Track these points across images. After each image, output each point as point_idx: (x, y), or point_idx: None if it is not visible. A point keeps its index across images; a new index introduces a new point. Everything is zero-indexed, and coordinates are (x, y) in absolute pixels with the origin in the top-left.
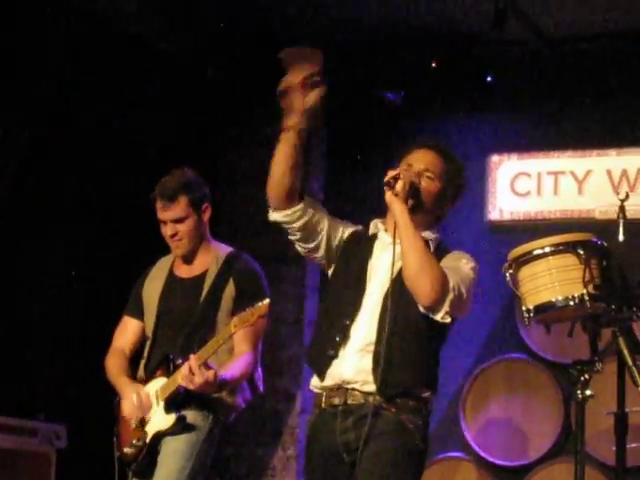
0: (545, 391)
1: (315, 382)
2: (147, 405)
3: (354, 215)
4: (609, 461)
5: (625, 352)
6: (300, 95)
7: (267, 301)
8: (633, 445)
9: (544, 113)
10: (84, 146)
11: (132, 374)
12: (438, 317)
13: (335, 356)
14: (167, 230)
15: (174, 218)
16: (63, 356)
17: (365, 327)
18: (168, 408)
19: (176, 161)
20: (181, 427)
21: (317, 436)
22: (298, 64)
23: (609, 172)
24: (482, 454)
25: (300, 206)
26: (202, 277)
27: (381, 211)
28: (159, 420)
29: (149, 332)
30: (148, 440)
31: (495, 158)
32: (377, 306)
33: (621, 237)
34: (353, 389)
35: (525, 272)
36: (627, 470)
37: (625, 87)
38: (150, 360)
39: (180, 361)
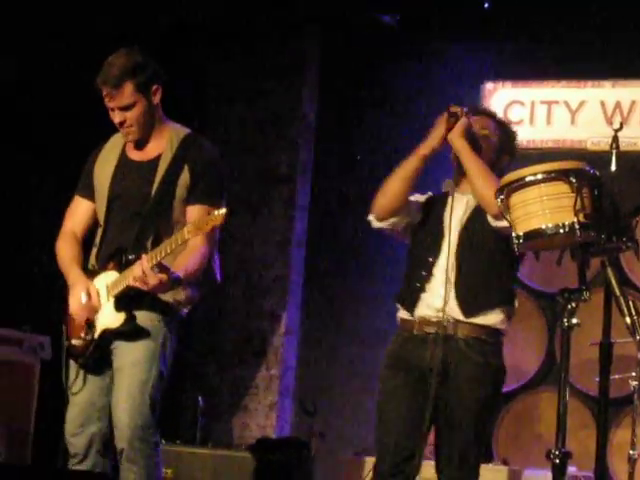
0: (530, 320)
1: (403, 314)
2: (95, 305)
3: (348, 135)
4: (592, 392)
5: (613, 282)
6: (446, 125)
7: (223, 211)
8: (616, 376)
9: (540, 42)
10: None
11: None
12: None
13: (422, 289)
14: (115, 118)
15: (121, 106)
16: (49, 267)
17: (446, 263)
18: (118, 306)
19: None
20: (131, 327)
21: (406, 357)
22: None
23: (603, 103)
24: None
25: (402, 216)
26: (156, 161)
27: (374, 129)
28: (108, 317)
29: (100, 217)
30: (96, 335)
31: (489, 85)
32: (454, 245)
33: (613, 167)
34: (440, 318)
35: (516, 199)
36: (610, 401)
37: (623, 19)
38: (102, 248)
39: (133, 256)
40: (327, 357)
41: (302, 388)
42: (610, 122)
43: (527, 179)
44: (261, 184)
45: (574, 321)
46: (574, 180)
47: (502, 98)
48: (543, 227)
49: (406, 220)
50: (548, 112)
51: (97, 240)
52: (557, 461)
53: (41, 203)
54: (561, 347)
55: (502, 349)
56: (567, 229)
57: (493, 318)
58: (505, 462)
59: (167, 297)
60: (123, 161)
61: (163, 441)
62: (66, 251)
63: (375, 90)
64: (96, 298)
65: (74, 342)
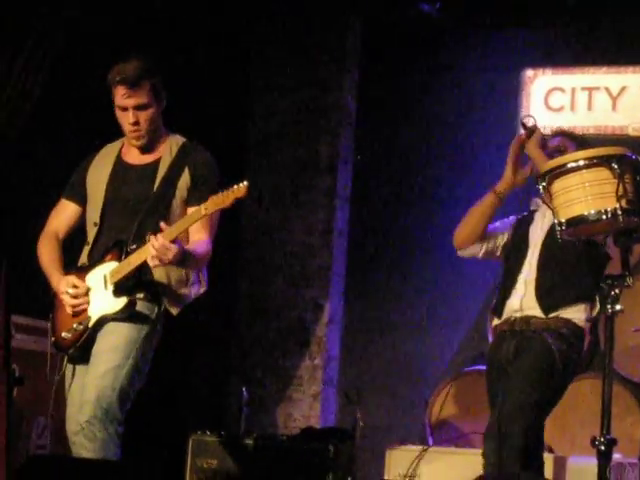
0: None
1: (495, 321)
2: (84, 295)
3: (386, 121)
4: (636, 378)
5: None
6: (516, 168)
7: (246, 183)
8: None
9: (580, 28)
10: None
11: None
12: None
13: (507, 296)
14: (129, 117)
15: (138, 104)
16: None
17: (528, 269)
18: (118, 291)
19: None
20: (129, 313)
21: (493, 355)
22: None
23: None
24: None
25: (481, 244)
26: (155, 164)
27: (416, 118)
28: (106, 304)
29: (95, 218)
30: (91, 324)
31: (529, 72)
32: (536, 255)
33: None
34: (518, 316)
35: (558, 185)
36: None
37: None
38: (96, 246)
39: (134, 246)
40: (370, 347)
41: (345, 378)
42: None
43: (569, 166)
44: (303, 174)
45: (618, 307)
46: (616, 166)
47: (542, 85)
48: (585, 213)
49: (485, 247)
50: (589, 98)
51: (90, 239)
52: (602, 448)
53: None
54: (605, 333)
55: (580, 344)
56: (609, 215)
57: (571, 313)
58: (550, 449)
59: (168, 289)
60: (120, 165)
61: (208, 432)
62: (49, 253)
63: (415, 79)
64: (84, 288)
65: (64, 335)
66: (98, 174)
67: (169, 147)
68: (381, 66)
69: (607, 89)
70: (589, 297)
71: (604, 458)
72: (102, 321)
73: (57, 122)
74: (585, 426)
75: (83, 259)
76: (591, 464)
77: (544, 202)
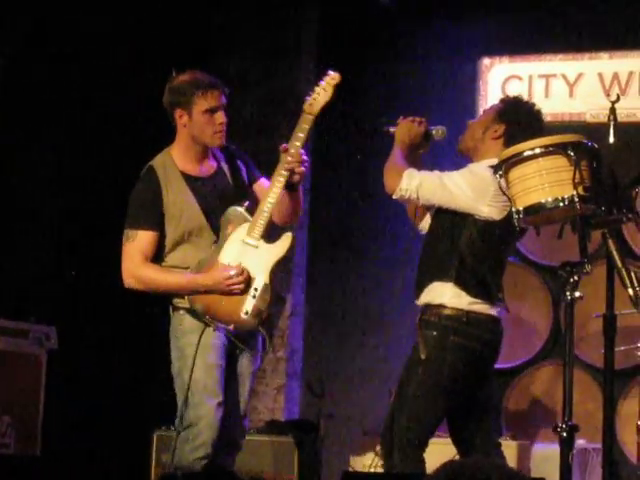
0: (534, 293)
1: None
2: (241, 270)
3: (345, 112)
4: (598, 364)
5: (615, 254)
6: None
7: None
8: (621, 348)
9: (536, 15)
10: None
11: None
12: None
13: None
14: (220, 117)
15: (225, 105)
16: (54, 258)
17: None
18: (270, 239)
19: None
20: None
21: None
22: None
23: (600, 75)
24: None
25: None
26: (221, 172)
27: (373, 109)
28: (268, 255)
29: (181, 236)
30: (267, 280)
31: (486, 61)
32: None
33: (611, 139)
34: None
35: (515, 173)
36: (615, 373)
37: None
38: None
39: (247, 202)
40: (333, 338)
41: (309, 370)
42: (608, 94)
43: (525, 154)
44: (262, 167)
45: (577, 294)
46: (572, 153)
47: (499, 73)
48: (543, 201)
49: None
50: (546, 86)
51: (186, 259)
52: (564, 434)
53: (34, 194)
54: (565, 321)
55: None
56: (567, 202)
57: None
58: (513, 437)
59: None
60: (192, 180)
61: (172, 427)
62: (162, 270)
63: (373, 69)
64: (234, 265)
65: (245, 311)
66: (178, 194)
67: (213, 153)
68: (338, 57)
69: (564, 76)
70: (450, 278)
71: (567, 444)
72: (275, 271)
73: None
74: (548, 413)
75: (190, 262)
76: (554, 450)
77: (501, 190)
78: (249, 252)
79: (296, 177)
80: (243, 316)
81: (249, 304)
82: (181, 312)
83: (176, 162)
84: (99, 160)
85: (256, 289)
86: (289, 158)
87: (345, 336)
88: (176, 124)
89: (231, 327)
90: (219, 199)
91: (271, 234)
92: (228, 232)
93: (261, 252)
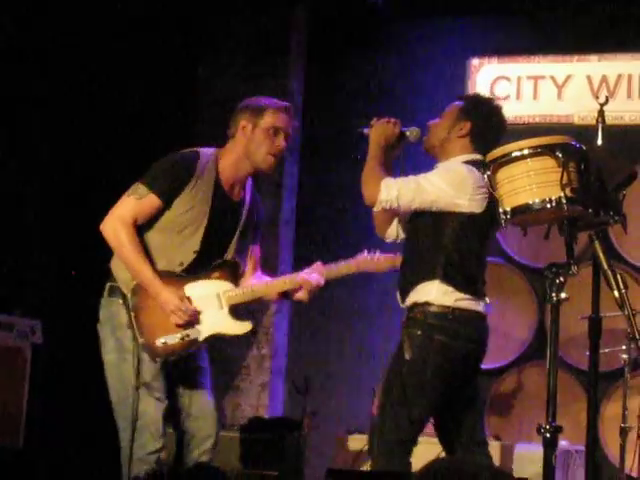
0: (520, 295)
1: None
2: (194, 310)
3: (332, 112)
4: (582, 366)
5: (601, 256)
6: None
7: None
8: (606, 350)
9: (526, 17)
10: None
11: None
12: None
13: None
14: (282, 141)
15: (290, 135)
16: (40, 252)
17: None
18: (238, 315)
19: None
20: (248, 335)
21: None
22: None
23: (589, 78)
24: None
25: None
26: (242, 204)
27: (362, 109)
28: (223, 323)
29: (190, 231)
30: (202, 338)
31: (475, 61)
32: None
33: (600, 141)
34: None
35: (503, 174)
36: (600, 375)
37: None
38: (197, 260)
39: (245, 268)
40: (318, 336)
41: (294, 367)
42: (596, 96)
43: (513, 154)
44: None
45: (563, 296)
46: (560, 155)
47: (488, 74)
48: (530, 202)
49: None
50: (534, 87)
51: (188, 255)
52: (548, 435)
53: (32, 187)
54: (550, 322)
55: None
56: (554, 204)
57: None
58: (497, 437)
59: None
60: (220, 194)
61: None
62: (139, 250)
63: (360, 69)
64: (194, 304)
65: (163, 340)
66: (200, 190)
67: (247, 186)
68: (327, 56)
69: (553, 78)
70: (436, 277)
71: (550, 445)
72: (214, 338)
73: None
74: (532, 414)
75: (174, 269)
76: (537, 451)
77: (489, 190)
78: (212, 306)
79: (299, 295)
80: (158, 343)
81: (172, 339)
82: (119, 301)
83: (219, 167)
84: (86, 150)
85: (188, 336)
86: (314, 283)
87: (330, 334)
88: (235, 132)
89: (140, 340)
90: (227, 223)
91: (240, 312)
92: (213, 275)
93: (219, 316)
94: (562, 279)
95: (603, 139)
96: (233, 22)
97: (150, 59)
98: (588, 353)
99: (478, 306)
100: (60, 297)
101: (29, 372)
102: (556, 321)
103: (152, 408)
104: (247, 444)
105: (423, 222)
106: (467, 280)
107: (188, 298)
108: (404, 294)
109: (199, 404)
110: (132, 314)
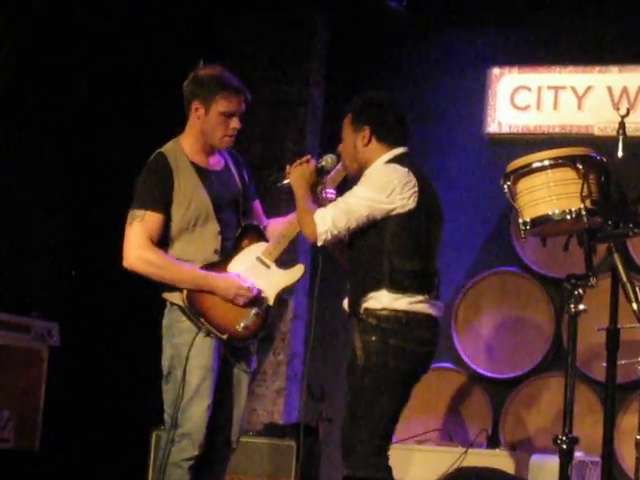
0: (537, 305)
1: None
2: (248, 286)
3: None
4: (599, 377)
5: (620, 268)
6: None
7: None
8: (624, 361)
9: (547, 27)
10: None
11: None
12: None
13: None
14: (235, 123)
15: (243, 112)
16: (57, 254)
17: None
18: (285, 265)
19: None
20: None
21: None
22: None
23: (610, 88)
24: (472, 366)
25: None
26: (227, 169)
27: None
28: (279, 278)
29: (188, 222)
30: (272, 301)
31: (496, 71)
32: None
33: (620, 153)
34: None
35: (523, 184)
36: (617, 386)
37: (631, 4)
38: (224, 240)
39: (265, 223)
40: (334, 342)
41: (310, 373)
42: (617, 108)
43: (534, 165)
44: (267, 171)
45: (581, 307)
46: (581, 166)
47: (508, 83)
48: (550, 213)
49: None
50: (555, 97)
51: (188, 250)
52: (564, 446)
53: (39, 192)
54: (568, 333)
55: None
56: (574, 215)
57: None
58: (512, 447)
59: None
60: (202, 172)
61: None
62: (173, 261)
63: (382, 76)
64: (247, 281)
65: (243, 325)
66: (187, 181)
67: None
68: (347, 63)
69: (573, 88)
70: (382, 286)
71: (566, 456)
72: (281, 294)
73: (20, 123)
74: (548, 425)
75: (214, 258)
76: (553, 462)
77: (509, 201)
78: (260, 270)
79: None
80: (240, 329)
81: (249, 320)
82: (177, 309)
83: (186, 152)
84: (102, 155)
85: (260, 307)
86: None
87: (346, 340)
88: (189, 114)
89: (224, 336)
90: (226, 193)
91: (284, 260)
92: (243, 244)
93: (272, 274)
94: (581, 291)
95: (624, 151)
96: (254, 28)
97: (169, 65)
98: (605, 365)
99: (431, 309)
100: (77, 299)
101: (46, 374)
102: (574, 332)
103: (198, 415)
104: (262, 450)
105: (362, 232)
106: (416, 280)
107: (238, 276)
108: (355, 305)
109: (225, 412)
110: (201, 320)
